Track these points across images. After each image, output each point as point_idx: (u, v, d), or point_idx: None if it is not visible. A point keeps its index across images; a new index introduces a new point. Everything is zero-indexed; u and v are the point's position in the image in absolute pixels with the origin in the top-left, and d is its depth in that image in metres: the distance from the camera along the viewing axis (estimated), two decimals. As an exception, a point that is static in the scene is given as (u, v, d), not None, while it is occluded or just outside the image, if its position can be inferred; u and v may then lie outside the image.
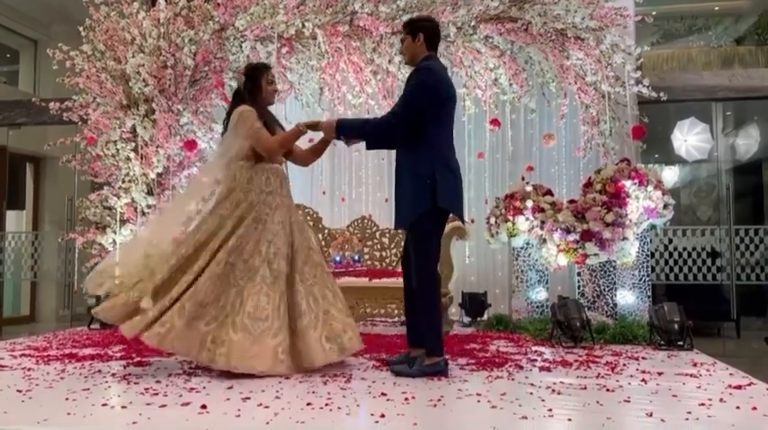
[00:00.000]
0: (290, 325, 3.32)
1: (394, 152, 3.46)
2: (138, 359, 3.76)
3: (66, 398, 2.77)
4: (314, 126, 3.54)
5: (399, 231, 5.89)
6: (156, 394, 2.83)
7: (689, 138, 8.03)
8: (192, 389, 2.94)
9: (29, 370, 3.46)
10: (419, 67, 3.35)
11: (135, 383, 3.08)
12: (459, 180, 3.36)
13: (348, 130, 3.43)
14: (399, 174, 3.36)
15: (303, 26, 5.76)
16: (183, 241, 3.50)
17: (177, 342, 3.20)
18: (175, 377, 3.22)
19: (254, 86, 3.60)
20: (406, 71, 6.15)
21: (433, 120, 3.26)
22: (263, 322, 3.23)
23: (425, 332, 3.26)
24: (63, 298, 8.57)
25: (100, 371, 3.42)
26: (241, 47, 5.97)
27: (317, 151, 3.78)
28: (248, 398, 2.72)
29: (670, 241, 6.82)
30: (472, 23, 5.66)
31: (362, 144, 3.45)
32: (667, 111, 7.69)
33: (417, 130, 3.25)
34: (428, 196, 3.19)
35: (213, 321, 3.25)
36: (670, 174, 9.13)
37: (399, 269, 5.56)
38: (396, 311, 5.22)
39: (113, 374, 3.33)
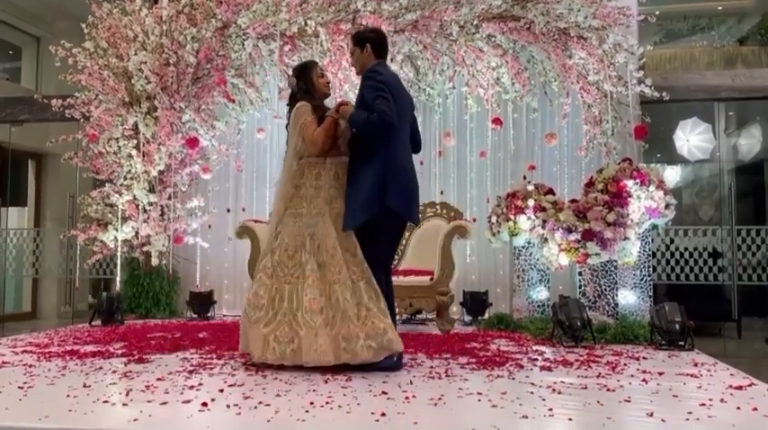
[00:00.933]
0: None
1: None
2: (139, 356, 3.76)
3: (68, 395, 2.77)
4: (339, 108, 3.53)
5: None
6: (157, 391, 2.84)
7: (691, 137, 8.02)
8: (193, 386, 2.94)
9: (30, 366, 3.47)
10: (371, 69, 3.44)
11: (136, 380, 3.08)
12: (412, 182, 3.44)
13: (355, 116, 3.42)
14: (352, 174, 3.40)
15: (306, 24, 5.77)
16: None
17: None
18: (176, 374, 3.22)
19: (307, 83, 3.62)
20: (408, 69, 6.16)
21: None
22: (258, 310, 3.34)
23: None
24: (64, 295, 8.58)
25: (101, 367, 3.43)
26: (243, 44, 5.97)
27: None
28: (249, 397, 2.72)
29: (672, 241, 6.81)
30: (475, 22, 5.67)
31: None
32: (670, 110, 7.67)
33: (362, 140, 3.35)
34: (377, 202, 3.27)
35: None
36: (672, 174, 9.11)
37: (401, 267, 5.58)
38: (397, 309, 5.21)
39: (114, 371, 3.33)
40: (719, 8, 9.76)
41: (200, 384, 2.99)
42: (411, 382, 3.04)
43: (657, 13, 5.97)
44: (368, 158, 3.34)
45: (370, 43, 3.50)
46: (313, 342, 3.22)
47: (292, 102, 3.67)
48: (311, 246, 3.39)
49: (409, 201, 3.42)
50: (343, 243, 3.40)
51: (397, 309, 5.16)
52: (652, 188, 4.86)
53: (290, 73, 3.82)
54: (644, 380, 3.16)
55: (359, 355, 3.22)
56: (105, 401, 2.68)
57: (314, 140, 3.44)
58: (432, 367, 3.43)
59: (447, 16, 5.64)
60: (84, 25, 6.32)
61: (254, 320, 3.35)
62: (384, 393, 2.80)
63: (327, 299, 3.31)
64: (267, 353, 3.28)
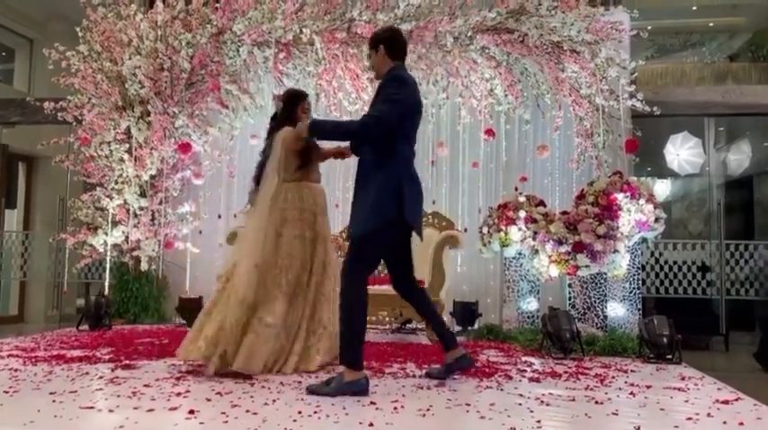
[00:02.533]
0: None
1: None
2: (127, 362, 3.74)
3: (53, 400, 2.74)
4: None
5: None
6: (144, 398, 2.82)
7: (681, 152, 8.10)
8: (180, 393, 2.93)
9: (15, 370, 3.44)
10: (391, 76, 3.21)
11: (123, 386, 3.06)
12: (421, 195, 3.27)
13: (320, 128, 3.36)
14: (363, 183, 3.19)
15: (301, 32, 5.78)
16: None
17: None
18: (163, 381, 3.20)
19: (290, 113, 3.75)
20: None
21: (403, 132, 3.17)
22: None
23: (345, 345, 3.03)
24: (52, 298, 8.51)
25: (88, 373, 3.40)
26: (238, 51, 5.98)
27: (326, 155, 3.87)
28: (237, 406, 2.71)
29: (661, 254, 6.85)
30: (469, 34, 5.70)
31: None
32: (660, 125, 7.74)
33: (387, 140, 3.13)
34: (393, 208, 3.06)
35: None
36: (662, 188, 9.19)
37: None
38: (387, 319, 5.21)
39: (101, 377, 3.30)
40: (711, 24, 9.89)
41: (187, 391, 2.97)
42: (400, 392, 3.04)
43: (650, 28, 6.04)
44: (381, 168, 3.12)
45: (383, 44, 3.27)
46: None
47: (273, 121, 3.84)
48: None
49: (420, 216, 3.27)
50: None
51: (387, 318, 5.18)
52: (642, 201, 4.89)
53: (281, 93, 3.93)
54: (632, 393, 3.17)
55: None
56: (91, 407, 2.65)
57: (297, 132, 3.49)
58: (421, 377, 3.43)
59: (442, 27, 5.68)
60: (78, 29, 6.31)
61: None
62: (372, 403, 2.79)
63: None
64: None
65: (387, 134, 3.11)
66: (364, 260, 3.15)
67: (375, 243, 3.12)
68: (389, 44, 3.28)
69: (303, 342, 3.58)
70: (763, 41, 8.81)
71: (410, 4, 5.67)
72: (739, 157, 8.77)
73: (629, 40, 6.14)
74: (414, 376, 3.46)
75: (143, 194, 6.29)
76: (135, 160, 6.20)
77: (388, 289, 4.93)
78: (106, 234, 6.24)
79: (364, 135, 3.16)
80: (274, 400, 2.81)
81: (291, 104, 3.78)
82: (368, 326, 5.42)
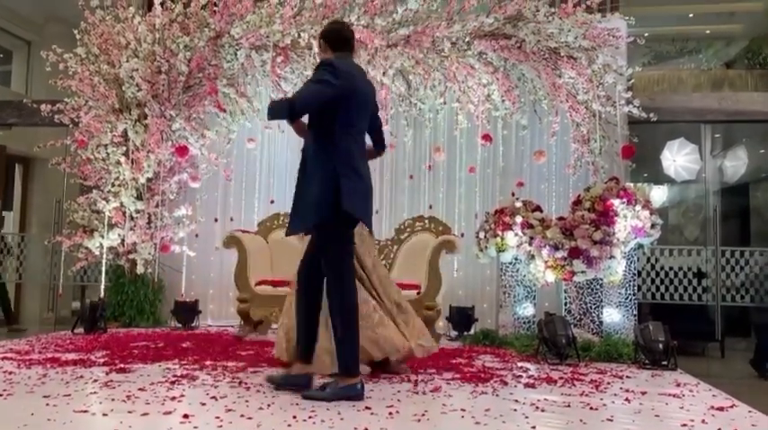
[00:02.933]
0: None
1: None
2: (121, 366, 3.72)
3: (47, 404, 2.73)
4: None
5: (388, 240, 5.89)
6: (138, 402, 2.81)
7: (678, 158, 8.12)
8: (175, 397, 2.92)
9: (10, 373, 3.42)
10: (321, 62, 3.12)
11: (117, 390, 3.05)
12: (366, 192, 3.10)
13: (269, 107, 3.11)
14: (304, 173, 3.09)
15: (299, 36, 5.79)
16: None
17: None
18: (158, 385, 3.20)
19: None
20: (399, 83, 6.20)
21: (344, 121, 3.05)
22: None
23: (343, 350, 3.01)
24: (47, 301, 8.49)
25: (82, 376, 3.39)
26: (236, 54, 5.98)
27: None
28: (231, 410, 2.70)
29: (657, 260, 6.86)
30: (467, 39, 5.72)
31: None
32: (657, 131, 7.76)
33: (322, 126, 3.03)
34: (332, 199, 2.95)
35: None
36: (658, 194, 9.19)
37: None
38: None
39: (95, 380, 3.29)
40: (707, 32, 9.93)
41: (182, 395, 2.97)
42: (395, 397, 3.03)
43: (646, 35, 6.06)
44: (319, 157, 3.03)
45: (323, 38, 3.22)
46: None
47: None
48: None
49: (365, 204, 3.10)
50: None
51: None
52: (638, 207, 4.90)
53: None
54: (627, 399, 3.17)
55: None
56: (85, 411, 2.64)
57: None
58: (416, 382, 3.43)
59: (439, 32, 5.69)
60: (76, 31, 6.30)
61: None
62: (368, 408, 2.79)
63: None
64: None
65: (319, 119, 3.02)
66: (332, 260, 3.07)
67: (327, 239, 3.07)
68: (330, 37, 3.21)
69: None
70: (759, 49, 8.85)
71: (408, 8, 5.68)
72: (735, 164, 8.79)
73: (625, 47, 6.17)
74: (409, 381, 3.46)
75: (139, 197, 6.28)
76: (132, 163, 6.19)
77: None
78: (102, 237, 6.22)
79: (274, 114, 3.02)
80: (269, 405, 2.81)
81: None
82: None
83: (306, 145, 3.15)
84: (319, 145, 3.05)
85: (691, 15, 9.73)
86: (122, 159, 6.17)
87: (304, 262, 3.21)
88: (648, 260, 6.81)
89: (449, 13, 5.76)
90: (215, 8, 6.02)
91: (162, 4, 6.13)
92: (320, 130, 3.05)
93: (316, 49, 3.36)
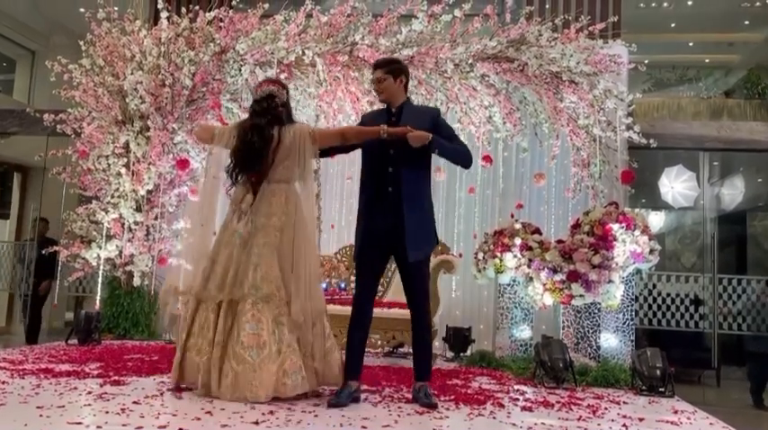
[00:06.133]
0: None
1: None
2: (115, 378, 3.69)
3: (40, 415, 2.70)
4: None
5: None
6: (133, 415, 2.78)
7: (676, 185, 8.16)
8: (169, 411, 2.89)
9: (2, 383, 3.38)
10: (438, 110, 3.71)
11: (111, 402, 3.02)
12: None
13: (439, 143, 3.40)
14: (413, 203, 3.36)
15: (303, 53, 5.83)
16: None
17: None
18: (153, 398, 3.17)
19: (289, 109, 3.75)
20: (402, 104, 6.22)
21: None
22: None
23: (429, 358, 3.47)
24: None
25: (76, 388, 3.36)
26: (240, 70, 6.01)
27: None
28: (226, 425, 2.67)
29: (654, 286, 6.86)
30: (469, 61, 5.76)
31: (355, 171, 3.55)
32: (656, 157, 7.82)
33: (428, 168, 3.49)
34: (434, 229, 3.49)
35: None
36: (656, 220, 9.23)
37: (385, 299, 5.55)
38: (379, 342, 5.18)
39: (89, 392, 3.26)
40: (707, 61, 10.05)
41: (176, 409, 2.94)
42: (391, 417, 3.01)
43: (647, 62, 6.12)
44: (425, 192, 3.47)
45: (405, 76, 3.50)
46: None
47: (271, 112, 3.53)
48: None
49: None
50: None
51: (379, 342, 5.15)
52: (637, 232, 4.91)
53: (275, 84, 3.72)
54: (624, 425, 3.15)
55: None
56: (79, 423, 2.61)
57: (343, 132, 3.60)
58: (412, 403, 3.40)
59: (443, 54, 5.74)
60: (81, 42, 6.34)
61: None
62: (364, 428, 2.76)
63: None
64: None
65: (430, 158, 3.49)
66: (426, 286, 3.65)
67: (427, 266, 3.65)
68: (408, 78, 3.54)
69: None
70: (758, 79, 8.95)
71: (412, 29, 5.74)
72: (733, 192, 8.84)
73: (626, 73, 6.23)
74: (406, 401, 3.43)
75: (139, 209, 6.27)
76: (132, 175, 6.19)
77: (381, 311, 4.93)
78: (100, 248, 6.20)
79: (469, 161, 3.55)
80: (263, 421, 2.78)
81: (289, 102, 3.70)
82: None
83: (387, 168, 3.38)
84: (422, 177, 3.45)
85: (690, 44, 9.86)
86: (123, 171, 6.17)
87: (368, 292, 3.53)
88: (646, 286, 6.81)
89: (452, 35, 5.81)
90: (221, 24, 6.07)
91: (168, 19, 6.18)
92: (426, 163, 3.48)
93: (387, 80, 3.39)
